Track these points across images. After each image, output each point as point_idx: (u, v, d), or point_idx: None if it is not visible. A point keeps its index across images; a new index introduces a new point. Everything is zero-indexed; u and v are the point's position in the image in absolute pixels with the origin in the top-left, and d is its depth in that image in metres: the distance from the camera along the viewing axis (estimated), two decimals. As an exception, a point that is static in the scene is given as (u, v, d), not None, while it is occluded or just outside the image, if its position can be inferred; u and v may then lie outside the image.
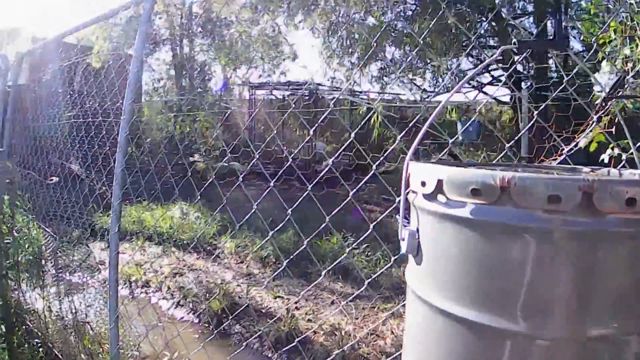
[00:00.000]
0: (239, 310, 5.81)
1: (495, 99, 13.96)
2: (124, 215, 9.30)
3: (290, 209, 2.30)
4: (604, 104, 1.93)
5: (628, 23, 2.08)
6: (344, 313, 6.00)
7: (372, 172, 2.09)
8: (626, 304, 0.90)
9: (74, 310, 4.92)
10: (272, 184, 2.49)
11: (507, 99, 13.52)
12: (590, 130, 1.99)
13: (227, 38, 16.62)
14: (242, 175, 3.05)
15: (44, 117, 5.72)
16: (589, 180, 0.84)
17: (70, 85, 5.62)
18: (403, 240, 1.13)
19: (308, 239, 2.47)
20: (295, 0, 12.44)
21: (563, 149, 1.69)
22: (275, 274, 6.95)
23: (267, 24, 16.22)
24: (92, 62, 14.25)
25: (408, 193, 1.16)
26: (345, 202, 2.25)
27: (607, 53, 2.28)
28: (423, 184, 1.05)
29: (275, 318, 5.94)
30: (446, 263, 1.02)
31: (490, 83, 13.09)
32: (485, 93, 12.96)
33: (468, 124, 12.24)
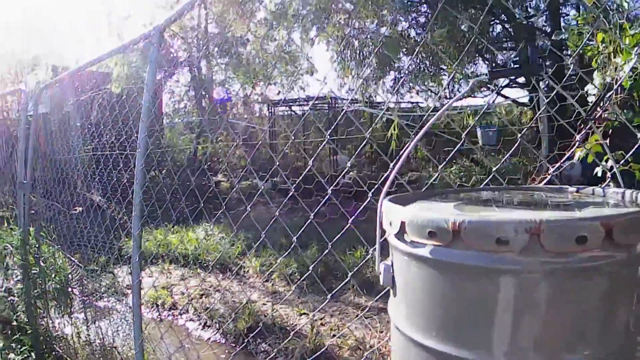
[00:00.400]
0: (257, 330, 5.87)
1: (514, 100, 13.86)
2: (149, 239, 9.47)
3: (297, 232, 2.34)
4: (582, 126, 1.95)
5: (615, 34, 2.09)
6: (369, 327, 6.01)
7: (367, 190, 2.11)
8: (574, 335, 0.94)
9: (101, 336, 5.04)
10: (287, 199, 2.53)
11: (525, 99, 13.41)
12: (578, 147, 2.01)
13: (244, 56, 16.76)
14: (257, 193, 3.10)
15: (65, 149, 5.86)
16: (536, 222, 0.87)
17: (89, 118, 5.77)
18: (380, 273, 1.20)
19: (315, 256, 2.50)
20: (309, 15, 12.52)
21: (549, 169, 1.71)
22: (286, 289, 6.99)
23: (282, 39, 16.33)
24: (112, 88, 14.54)
25: (382, 230, 1.22)
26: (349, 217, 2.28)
27: (598, 63, 2.30)
28: (390, 224, 1.11)
29: (300, 335, 5.97)
30: (414, 297, 1.10)
31: (508, 85, 12.98)
32: (503, 96, 12.87)
33: (488, 129, 12.17)
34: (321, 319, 6.52)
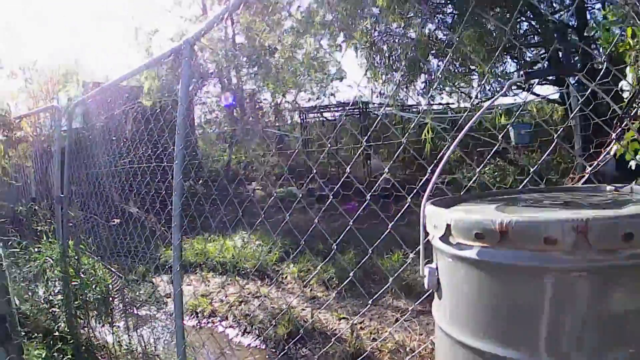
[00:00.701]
0: (297, 335, 5.89)
1: (545, 98, 13.70)
2: (187, 249, 9.58)
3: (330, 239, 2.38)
4: (618, 123, 1.95)
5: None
6: (408, 330, 6.00)
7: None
8: (621, 332, 0.96)
9: (143, 344, 5.13)
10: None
11: (555, 96, 13.25)
12: (613, 146, 2.01)
13: (272, 64, 16.88)
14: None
15: (100, 162, 5.98)
16: (582, 220, 0.90)
17: (124, 132, 5.88)
18: (424, 277, 1.24)
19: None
20: (335, 22, 12.57)
21: (585, 167, 1.72)
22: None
23: (310, 47, 16.41)
24: (143, 102, 14.74)
25: (427, 233, 1.26)
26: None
27: (630, 59, 2.29)
28: (435, 227, 1.15)
29: (340, 340, 5.99)
30: (460, 298, 1.12)
31: (538, 83, 12.83)
32: (534, 93, 12.74)
33: (520, 128, 12.06)
34: (360, 323, 6.54)
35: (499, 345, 1.02)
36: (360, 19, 11.75)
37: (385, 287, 3.19)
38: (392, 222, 2.19)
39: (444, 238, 1.14)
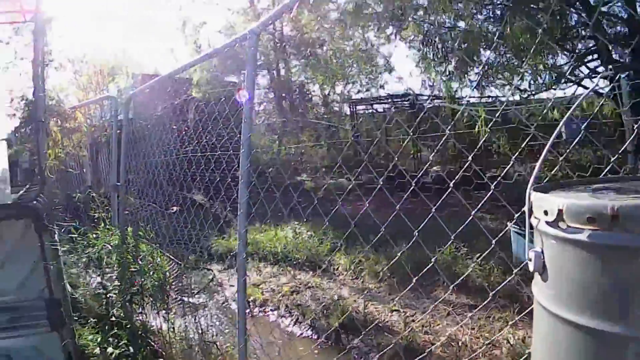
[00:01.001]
0: (349, 326, 5.93)
1: (596, 92, 13.38)
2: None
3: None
4: None
5: None
6: (460, 324, 5.99)
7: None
8: None
9: (200, 331, 5.24)
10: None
11: (601, 91, 12.92)
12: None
13: (321, 56, 16.92)
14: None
15: (159, 151, 6.08)
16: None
17: (184, 121, 5.99)
18: (530, 260, 1.31)
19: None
20: (385, 14, 12.53)
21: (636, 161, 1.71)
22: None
23: (359, 39, 16.41)
24: (193, 93, 15.00)
25: (531, 219, 1.30)
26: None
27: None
28: (545, 212, 1.21)
29: (392, 332, 6.02)
30: (568, 279, 1.19)
31: (588, 76, 12.52)
32: (584, 87, 12.46)
33: (572, 122, 11.81)
34: (412, 316, 6.56)
35: (607, 322, 1.08)
36: (411, 9, 11.70)
37: (456, 285, 3.18)
38: (474, 211, 2.18)
39: (554, 223, 1.20)
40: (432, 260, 2.57)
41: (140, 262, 5.26)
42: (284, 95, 17.65)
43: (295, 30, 18.16)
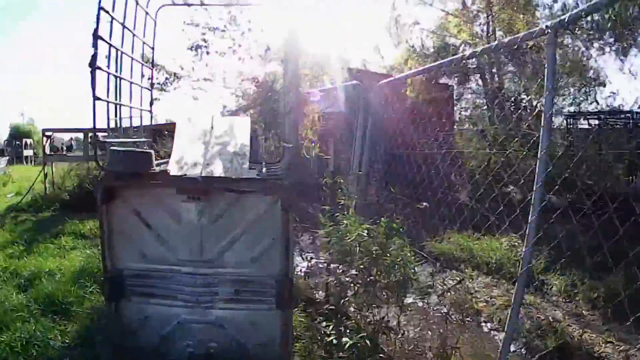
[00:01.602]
0: (562, 351, 5.95)
1: None
2: (451, 241, 10.02)
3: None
4: None
5: None
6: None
7: None
8: None
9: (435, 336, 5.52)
10: None
11: None
12: None
13: (537, 65, 16.50)
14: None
15: (418, 145, 6.22)
16: None
17: (451, 116, 6.23)
18: None
19: None
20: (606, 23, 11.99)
21: None
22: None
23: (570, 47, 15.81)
24: (407, 92, 15.42)
25: None
26: None
27: None
28: None
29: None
30: None
31: None
32: None
33: None
34: (626, 350, 6.45)
35: None
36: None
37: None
38: None
39: None
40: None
41: (388, 255, 5.26)
42: (496, 102, 17.49)
43: (507, 34, 17.82)
